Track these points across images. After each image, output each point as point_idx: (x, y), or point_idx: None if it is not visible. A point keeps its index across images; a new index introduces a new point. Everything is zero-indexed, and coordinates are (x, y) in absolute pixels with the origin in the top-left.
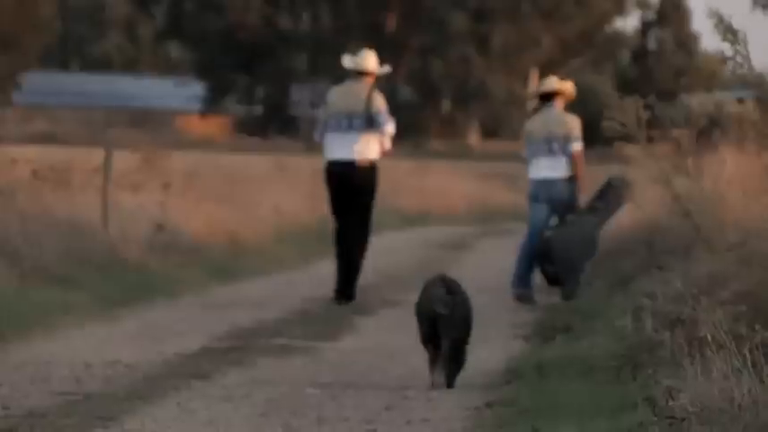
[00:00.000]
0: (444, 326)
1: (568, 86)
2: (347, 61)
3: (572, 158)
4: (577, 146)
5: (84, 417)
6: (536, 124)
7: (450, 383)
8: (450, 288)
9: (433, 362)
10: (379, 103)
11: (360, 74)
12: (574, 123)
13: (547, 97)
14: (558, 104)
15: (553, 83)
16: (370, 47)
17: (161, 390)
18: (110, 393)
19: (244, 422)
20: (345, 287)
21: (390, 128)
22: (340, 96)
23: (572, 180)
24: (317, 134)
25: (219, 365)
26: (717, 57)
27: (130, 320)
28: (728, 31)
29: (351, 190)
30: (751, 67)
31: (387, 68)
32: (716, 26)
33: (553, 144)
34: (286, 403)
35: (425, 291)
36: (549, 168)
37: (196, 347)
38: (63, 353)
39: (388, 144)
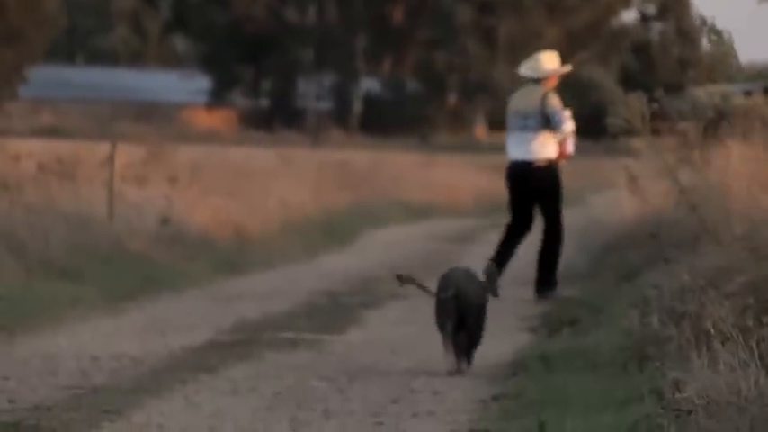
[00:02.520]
0: (461, 311)
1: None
2: (523, 69)
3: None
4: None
5: (91, 410)
6: None
7: (467, 366)
8: (467, 276)
9: (448, 348)
10: (554, 102)
11: (539, 80)
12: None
13: None
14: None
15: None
16: (376, 39)
17: (167, 383)
18: (116, 386)
19: (250, 415)
20: (541, 278)
21: (568, 127)
22: (518, 98)
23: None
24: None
25: (226, 358)
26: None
27: (136, 313)
28: (712, 31)
29: (527, 190)
30: (739, 64)
31: (567, 68)
32: (700, 27)
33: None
34: (292, 396)
35: (440, 281)
36: None
37: (202, 340)
38: (69, 346)
39: (570, 148)
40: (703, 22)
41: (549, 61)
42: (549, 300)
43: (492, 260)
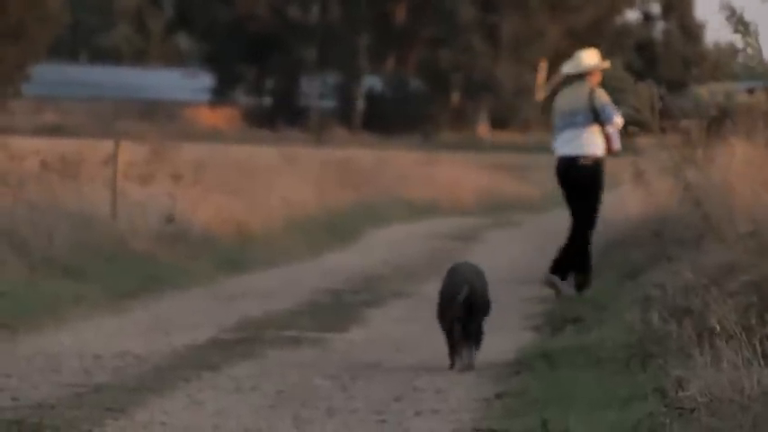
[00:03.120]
0: (467, 309)
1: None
2: (567, 67)
3: None
4: None
5: (94, 408)
6: None
7: (472, 365)
8: (471, 273)
9: (452, 347)
10: (603, 96)
11: (582, 75)
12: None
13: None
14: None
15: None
16: (379, 38)
17: (170, 381)
18: (119, 385)
19: (253, 413)
20: (558, 266)
21: (618, 120)
22: (563, 96)
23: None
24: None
25: (229, 357)
26: (725, 47)
27: (140, 312)
28: (740, 22)
29: (573, 185)
30: (762, 59)
31: (607, 63)
32: (727, 18)
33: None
34: (295, 394)
35: (449, 276)
36: None
37: (205, 339)
38: (72, 344)
39: (617, 143)
40: (732, 12)
41: (590, 57)
42: (554, 291)
43: (558, 251)
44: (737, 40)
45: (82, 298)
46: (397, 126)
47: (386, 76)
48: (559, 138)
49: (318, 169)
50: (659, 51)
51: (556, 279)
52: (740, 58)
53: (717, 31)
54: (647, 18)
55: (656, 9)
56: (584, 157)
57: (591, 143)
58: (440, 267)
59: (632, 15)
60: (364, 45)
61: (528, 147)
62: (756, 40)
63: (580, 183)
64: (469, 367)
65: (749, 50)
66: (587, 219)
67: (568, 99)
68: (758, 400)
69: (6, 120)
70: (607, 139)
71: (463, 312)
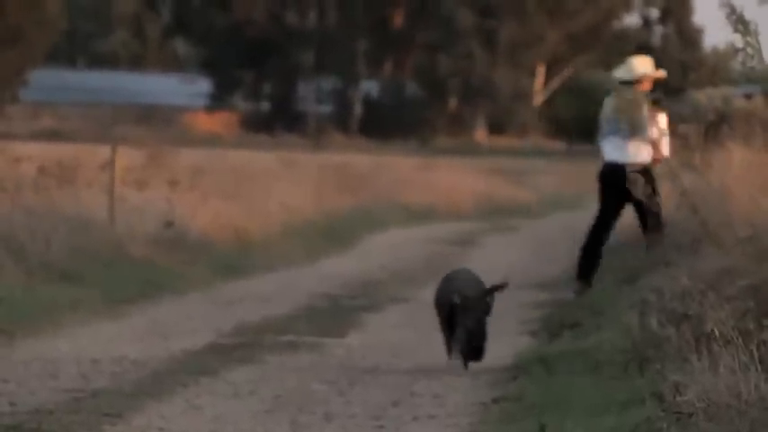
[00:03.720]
0: (462, 314)
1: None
2: (618, 72)
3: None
4: None
5: (91, 413)
6: None
7: (466, 365)
8: (470, 278)
9: (450, 347)
10: (641, 107)
11: (631, 82)
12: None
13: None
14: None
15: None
16: (376, 43)
17: (168, 386)
18: (117, 390)
19: (251, 418)
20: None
21: (652, 133)
22: (611, 102)
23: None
24: (598, 138)
25: (226, 362)
26: (724, 51)
27: (137, 317)
28: (740, 21)
29: (618, 191)
30: (762, 60)
31: (661, 72)
32: (727, 17)
33: None
34: (293, 399)
35: (445, 282)
36: None
37: (203, 344)
38: (70, 349)
39: (665, 150)
40: (732, 11)
41: (642, 65)
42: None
43: (581, 249)
44: (737, 40)
45: (79, 303)
46: (394, 131)
47: (383, 81)
48: (607, 143)
49: (316, 174)
50: (657, 56)
51: (583, 284)
52: (739, 59)
53: (715, 36)
54: (646, 23)
55: (654, 14)
56: (633, 165)
57: (638, 151)
58: (437, 272)
59: (631, 20)
60: (361, 50)
61: (525, 151)
62: (756, 39)
63: (626, 190)
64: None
65: (749, 50)
66: (659, 220)
67: (614, 105)
68: (755, 405)
69: (4, 125)
70: (655, 146)
71: (454, 318)
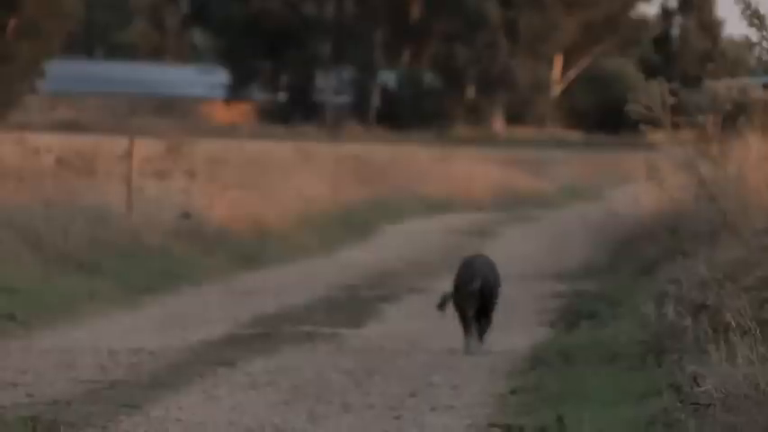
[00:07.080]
0: (480, 298)
1: None
2: None
3: None
4: None
5: (109, 404)
6: None
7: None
8: (487, 265)
9: (468, 331)
10: None
11: None
12: None
13: None
14: None
15: None
16: (394, 33)
17: (186, 377)
18: (134, 381)
19: (269, 409)
20: None
21: None
22: None
23: None
24: None
25: (244, 352)
26: (743, 42)
27: (155, 307)
28: (755, 16)
29: None
30: None
31: None
32: (742, 12)
33: None
34: (311, 390)
35: (464, 268)
36: None
37: (221, 334)
38: (87, 340)
39: None
40: (747, 6)
41: None
42: None
43: None
44: (753, 34)
45: (97, 294)
46: (411, 121)
47: (401, 71)
48: None
49: (333, 165)
50: (676, 46)
51: None
52: (755, 52)
53: (736, 27)
54: (666, 13)
55: (673, 4)
56: None
57: None
58: (454, 263)
59: (650, 10)
60: (379, 40)
61: (543, 142)
62: None
63: None
64: (474, 352)
65: (764, 44)
66: None
67: None
68: None
69: (22, 116)
70: None
71: (473, 304)
